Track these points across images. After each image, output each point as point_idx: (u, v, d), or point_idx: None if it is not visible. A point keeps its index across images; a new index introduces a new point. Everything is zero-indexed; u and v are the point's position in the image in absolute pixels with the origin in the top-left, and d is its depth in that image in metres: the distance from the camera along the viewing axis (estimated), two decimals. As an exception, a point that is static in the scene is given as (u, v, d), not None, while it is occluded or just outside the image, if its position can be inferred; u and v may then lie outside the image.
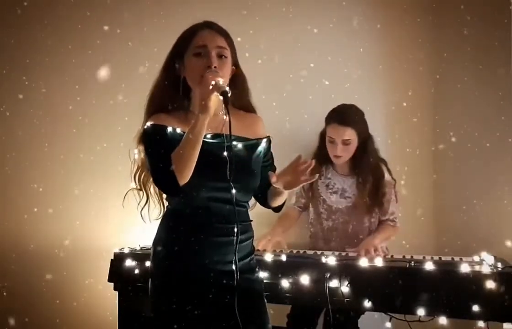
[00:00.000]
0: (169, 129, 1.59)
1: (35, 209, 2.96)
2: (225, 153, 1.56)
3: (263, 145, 1.72)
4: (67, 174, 2.97)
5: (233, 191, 1.55)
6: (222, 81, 1.51)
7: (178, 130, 1.59)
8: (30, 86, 2.98)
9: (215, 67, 1.57)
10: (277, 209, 1.80)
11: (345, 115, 2.44)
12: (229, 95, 1.48)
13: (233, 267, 1.58)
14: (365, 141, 2.49)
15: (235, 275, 1.57)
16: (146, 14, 2.91)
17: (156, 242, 1.68)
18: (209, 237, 1.59)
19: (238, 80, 1.69)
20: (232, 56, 1.65)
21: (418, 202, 2.69)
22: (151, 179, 1.69)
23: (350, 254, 2.30)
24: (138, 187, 1.75)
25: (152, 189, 1.75)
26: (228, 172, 1.55)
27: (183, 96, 1.65)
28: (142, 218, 1.74)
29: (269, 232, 2.52)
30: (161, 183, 1.56)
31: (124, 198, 1.80)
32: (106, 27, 2.89)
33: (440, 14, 2.80)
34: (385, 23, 2.83)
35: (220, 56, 1.61)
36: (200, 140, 1.50)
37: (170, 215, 1.68)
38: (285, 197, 1.73)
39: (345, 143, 2.43)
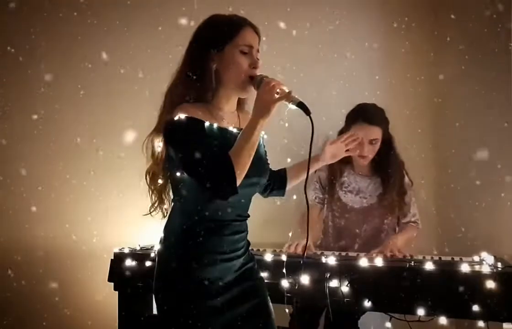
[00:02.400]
0: (206, 123, 1.53)
1: (34, 208, 2.96)
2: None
3: (263, 140, 1.76)
4: (67, 174, 2.97)
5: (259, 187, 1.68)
6: (288, 89, 1.49)
7: (215, 125, 1.55)
8: (33, 78, 2.99)
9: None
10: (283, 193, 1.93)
11: (371, 113, 2.41)
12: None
13: (242, 260, 1.64)
14: (388, 140, 2.48)
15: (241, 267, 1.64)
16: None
17: (169, 239, 1.60)
18: (226, 234, 1.58)
19: None
20: None
21: (418, 202, 2.69)
22: (159, 177, 1.64)
23: (374, 254, 2.27)
24: (152, 185, 1.66)
25: (158, 185, 1.67)
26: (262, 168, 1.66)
27: (212, 88, 1.58)
28: (151, 214, 1.67)
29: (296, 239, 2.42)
30: (217, 184, 1.45)
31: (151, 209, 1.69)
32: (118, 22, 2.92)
33: (441, 14, 2.81)
34: (386, 23, 2.83)
35: (258, 59, 1.60)
36: (257, 143, 1.50)
37: (185, 211, 1.59)
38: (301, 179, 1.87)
39: (372, 142, 2.41)
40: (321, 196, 2.64)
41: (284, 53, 2.83)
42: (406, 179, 2.52)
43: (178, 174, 1.56)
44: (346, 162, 2.55)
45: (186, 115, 1.49)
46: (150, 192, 1.67)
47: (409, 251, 2.35)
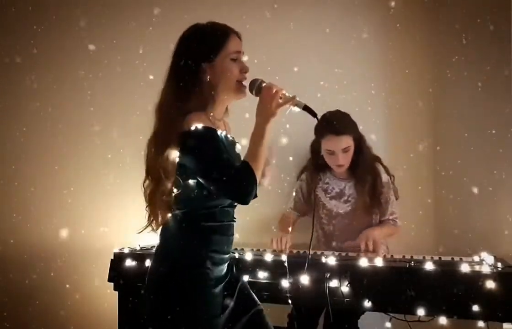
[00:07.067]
0: (218, 132, 1.60)
1: (35, 209, 2.96)
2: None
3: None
4: (67, 174, 2.97)
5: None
6: (289, 94, 1.58)
7: (223, 133, 1.63)
8: (37, 79, 2.98)
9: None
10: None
11: (338, 124, 2.41)
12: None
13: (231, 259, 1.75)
14: (359, 142, 2.48)
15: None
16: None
17: (176, 246, 1.64)
18: (229, 234, 1.69)
19: None
20: None
21: (418, 202, 2.70)
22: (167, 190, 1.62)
23: (350, 252, 2.31)
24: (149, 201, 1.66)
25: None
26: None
27: (208, 99, 1.63)
28: (153, 230, 1.69)
29: (279, 234, 2.48)
30: (242, 190, 1.51)
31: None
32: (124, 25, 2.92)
33: (440, 14, 2.81)
34: (384, 23, 2.83)
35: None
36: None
37: (193, 216, 1.62)
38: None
39: (345, 150, 2.43)
40: (299, 205, 2.67)
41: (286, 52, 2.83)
42: (384, 177, 2.51)
43: (191, 182, 1.58)
44: (326, 167, 2.57)
45: (203, 125, 1.53)
46: (149, 207, 1.66)
47: (406, 252, 2.35)
